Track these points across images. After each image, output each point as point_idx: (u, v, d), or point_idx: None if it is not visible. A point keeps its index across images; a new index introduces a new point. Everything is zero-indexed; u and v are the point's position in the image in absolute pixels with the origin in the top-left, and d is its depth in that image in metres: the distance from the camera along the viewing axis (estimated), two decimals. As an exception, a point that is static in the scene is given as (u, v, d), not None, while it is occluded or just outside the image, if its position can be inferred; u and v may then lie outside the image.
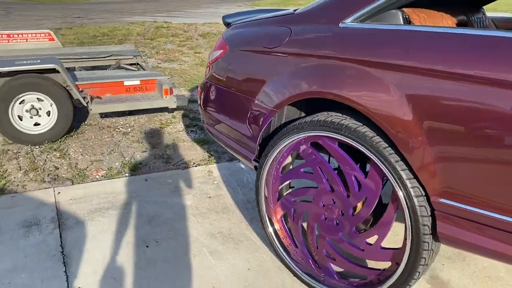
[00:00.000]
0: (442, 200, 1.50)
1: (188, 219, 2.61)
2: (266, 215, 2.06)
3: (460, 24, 2.04)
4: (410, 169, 1.54)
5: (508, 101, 1.29)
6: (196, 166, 3.37)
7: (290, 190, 2.03)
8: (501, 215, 1.38)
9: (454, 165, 1.43)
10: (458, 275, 2.10)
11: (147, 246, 2.32)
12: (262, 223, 2.10)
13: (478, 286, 2.02)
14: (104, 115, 4.40)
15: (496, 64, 1.32)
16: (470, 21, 2.12)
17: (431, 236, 1.55)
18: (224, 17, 2.39)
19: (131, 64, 5.06)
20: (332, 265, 1.90)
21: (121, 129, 4.11)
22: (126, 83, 3.88)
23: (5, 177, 3.10)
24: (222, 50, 2.21)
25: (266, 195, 2.03)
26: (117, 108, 3.76)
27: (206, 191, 2.96)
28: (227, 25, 2.36)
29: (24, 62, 3.48)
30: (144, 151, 3.63)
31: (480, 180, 1.40)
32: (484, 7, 2.42)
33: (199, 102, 2.53)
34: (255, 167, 2.10)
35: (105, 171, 3.26)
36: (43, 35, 5.00)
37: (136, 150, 3.65)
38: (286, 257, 2.05)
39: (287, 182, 2.01)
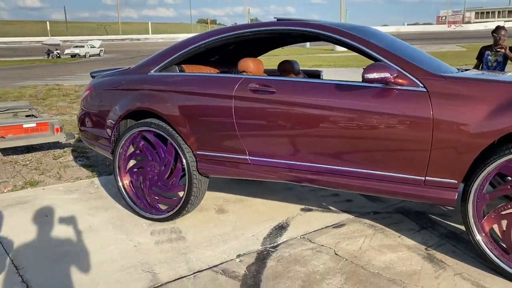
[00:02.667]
0: (198, 152, 3.14)
1: (74, 203, 3.94)
2: (119, 177, 3.53)
3: (221, 72, 3.81)
4: (183, 139, 3.17)
5: (211, 102, 2.99)
6: (82, 180, 4.70)
7: (132, 164, 3.53)
8: (219, 153, 3.06)
9: (198, 135, 3.09)
10: (260, 200, 3.75)
11: (47, 216, 3.62)
12: (116, 182, 3.55)
13: (272, 209, 3.67)
14: (5, 153, 5.53)
15: (208, 86, 3.03)
16: (230, 71, 3.92)
17: (197, 171, 3.17)
18: (91, 72, 3.93)
19: (27, 116, 6.25)
20: (158, 204, 3.42)
21: (21, 162, 5.29)
22: (25, 125, 5.14)
23: None
24: (89, 91, 3.74)
25: (119, 167, 3.52)
26: (18, 143, 4.99)
27: (88, 190, 4.32)
28: (93, 77, 3.90)
29: None
30: (41, 174, 4.87)
31: (208, 141, 3.07)
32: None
33: (77, 126, 3.97)
34: (113, 156, 3.58)
35: (11, 188, 4.45)
36: None
37: (35, 174, 4.88)
38: (133, 205, 3.51)
39: (131, 160, 3.52)
